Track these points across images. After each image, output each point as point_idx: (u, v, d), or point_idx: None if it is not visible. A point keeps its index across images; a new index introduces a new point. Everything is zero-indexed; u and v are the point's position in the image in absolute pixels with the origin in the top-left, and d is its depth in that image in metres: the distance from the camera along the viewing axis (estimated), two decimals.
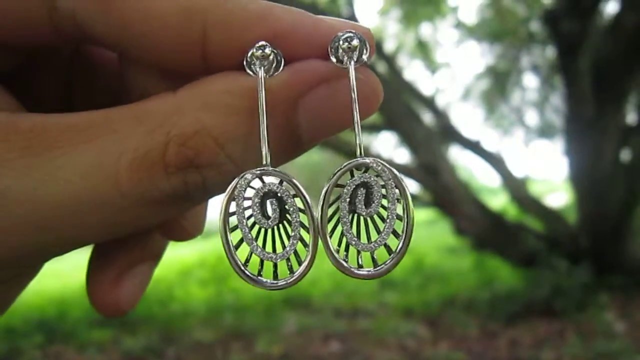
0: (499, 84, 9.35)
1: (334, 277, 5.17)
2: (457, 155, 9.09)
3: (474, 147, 5.44)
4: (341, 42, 0.30)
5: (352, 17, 5.24)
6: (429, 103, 5.74)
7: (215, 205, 0.32)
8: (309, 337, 3.92)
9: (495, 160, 5.42)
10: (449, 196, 4.44)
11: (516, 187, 5.28)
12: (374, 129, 5.41)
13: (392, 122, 4.56)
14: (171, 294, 5.31)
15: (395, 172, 0.31)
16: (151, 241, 0.40)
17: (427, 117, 5.54)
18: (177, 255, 7.94)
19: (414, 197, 5.21)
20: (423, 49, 8.67)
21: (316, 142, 0.32)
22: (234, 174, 0.30)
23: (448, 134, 5.44)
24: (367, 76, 0.31)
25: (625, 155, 4.47)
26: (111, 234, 0.31)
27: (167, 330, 4.18)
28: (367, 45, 0.30)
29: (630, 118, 4.65)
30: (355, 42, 0.29)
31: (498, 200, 7.18)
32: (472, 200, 4.58)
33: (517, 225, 4.79)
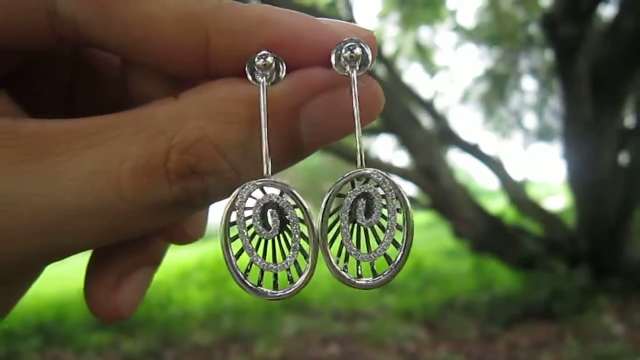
0: (497, 87, 9.36)
1: (333, 280, 5.15)
2: (455, 158, 9.11)
3: (473, 150, 5.44)
4: (343, 51, 0.29)
5: (351, 21, 5.25)
6: (428, 106, 5.75)
7: (215, 210, 0.32)
8: (307, 340, 3.91)
9: (493, 163, 5.43)
10: (447, 199, 4.45)
11: (515, 190, 5.29)
12: (373, 132, 5.42)
13: (391, 125, 4.56)
14: (170, 297, 5.30)
15: (396, 183, 0.31)
16: (151, 246, 0.40)
17: (426, 120, 5.54)
18: (176, 258, 7.93)
19: (412, 201, 5.22)
20: (422, 52, 8.69)
21: (318, 148, 0.32)
22: (235, 181, 0.30)
23: (447, 137, 5.44)
24: (369, 84, 0.31)
25: (624, 158, 4.48)
26: (112, 238, 0.31)
27: (166, 334, 4.17)
28: (370, 53, 0.30)
29: (628, 121, 4.66)
30: (357, 51, 0.29)
31: (497, 203, 7.19)
32: (471, 203, 4.58)
33: (515, 228, 4.79)
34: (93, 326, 4.27)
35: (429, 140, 4.57)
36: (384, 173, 0.31)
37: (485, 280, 4.86)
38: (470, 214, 4.46)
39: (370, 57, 0.30)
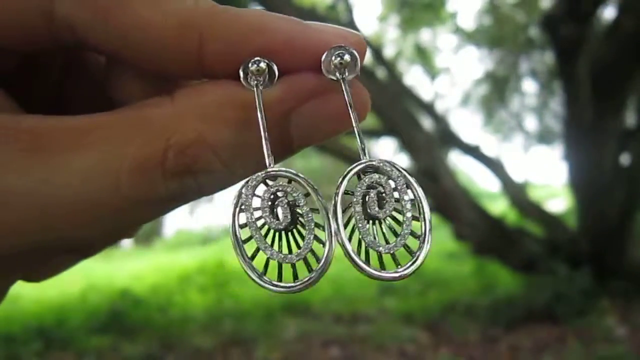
0: (498, 90, 9.37)
1: (333, 282, 5.17)
2: (456, 160, 9.11)
3: (474, 152, 5.44)
4: (333, 58, 0.31)
5: (351, 23, 5.25)
6: (429, 108, 5.75)
7: (224, 213, 0.33)
8: (308, 342, 3.91)
9: (494, 165, 5.42)
10: (449, 201, 4.44)
11: (516, 192, 5.28)
12: (373, 134, 5.42)
13: (392, 128, 4.56)
14: (170, 300, 5.29)
15: (404, 170, 0.31)
16: None
17: (427, 123, 5.54)
18: (176, 261, 7.93)
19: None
20: (422, 55, 8.70)
21: (306, 147, 0.34)
22: (227, 179, 0.32)
23: (448, 139, 5.44)
24: (357, 88, 0.33)
25: (625, 159, 4.47)
26: (106, 232, 0.33)
27: (166, 337, 4.16)
28: (359, 59, 0.32)
29: (630, 122, 4.66)
30: (347, 58, 0.31)
31: (498, 206, 7.18)
32: (472, 205, 4.57)
33: (517, 230, 4.78)
34: (93, 330, 4.26)
35: (430, 142, 4.57)
36: (390, 162, 0.31)
37: (486, 282, 4.85)
38: (471, 216, 4.46)
39: (358, 64, 0.32)
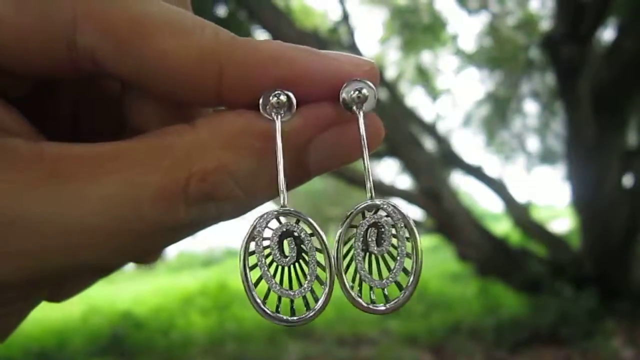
0: (499, 111, 9.42)
1: (336, 305, 5.12)
2: (459, 181, 9.11)
3: (476, 172, 5.44)
4: (352, 92, 0.32)
5: (353, 46, 5.31)
6: (431, 129, 5.77)
7: (225, 236, 0.34)
8: None
9: (497, 186, 5.42)
10: (451, 222, 4.43)
11: (519, 213, 5.27)
12: (376, 155, 5.43)
13: (394, 149, 4.58)
14: (172, 323, 5.25)
15: (404, 212, 0.33)
16: None
17: (429, 143, 5.56)
18: (178, 284, 7.90)
19: (417, 225, 5.20)
20: (424, 76, 8.77)
21: (322, 174, 0.35)
22: (246, 205, 0.33)
23: (450, 159, 5.45)
24: (372, 120, 0.34)
25: (628, 179, 4.47)
26: (125, 258, 0.33)
27: None
28: (375, 93, 0.33)
29: (632, 142, 4.67)
30: (365, 92, 0.32)
31: (501, 226, 7.15)
32: (475, 226, 4.56)
33: (520, 251, 4.76)
34: (94, 353, 4.23)
35: (432, 163, 4.58)
36: (393, 204, 0.33)
37: (490, 303, 4.81)
38: (474, 237, 4.44)
39: (375, 97, 0.33)
